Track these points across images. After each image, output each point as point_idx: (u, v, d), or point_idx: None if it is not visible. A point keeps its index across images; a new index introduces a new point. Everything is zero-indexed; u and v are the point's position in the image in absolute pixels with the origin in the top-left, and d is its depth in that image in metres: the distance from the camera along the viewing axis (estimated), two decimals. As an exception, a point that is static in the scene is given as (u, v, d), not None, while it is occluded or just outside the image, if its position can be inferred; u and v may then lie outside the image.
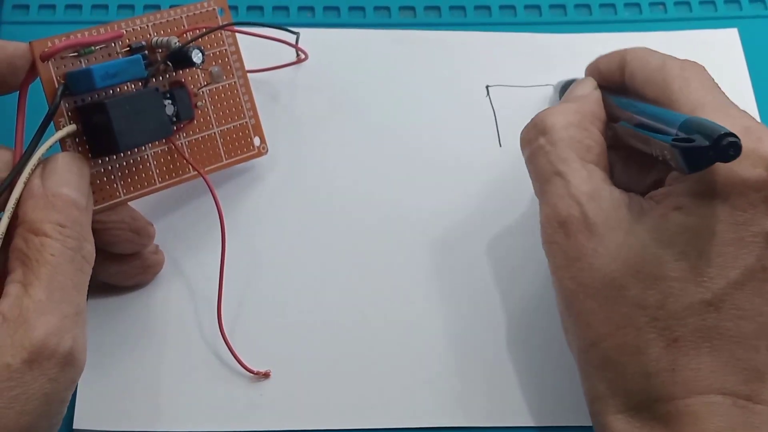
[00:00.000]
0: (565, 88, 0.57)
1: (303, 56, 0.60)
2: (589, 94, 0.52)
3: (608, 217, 0.45)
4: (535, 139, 0.49)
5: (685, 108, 0.46)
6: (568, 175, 0.47)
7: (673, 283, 0.43)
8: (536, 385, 0.52)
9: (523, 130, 0.51)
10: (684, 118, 0.43)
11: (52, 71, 0.47)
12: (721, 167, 0.43)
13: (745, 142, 0.42)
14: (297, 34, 0.59)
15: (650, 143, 0.45)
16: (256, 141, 0.55)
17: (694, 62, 0.49)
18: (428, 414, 0.51)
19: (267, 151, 0.56)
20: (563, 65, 0.59)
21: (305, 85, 0.60)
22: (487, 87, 0.61)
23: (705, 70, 0.49)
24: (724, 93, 0.48)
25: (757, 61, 0.63)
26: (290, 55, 0.60)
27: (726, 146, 0.40)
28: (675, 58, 0.50)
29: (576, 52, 0.62)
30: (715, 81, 0.49)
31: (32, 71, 0.46)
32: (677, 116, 0.44)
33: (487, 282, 0.55)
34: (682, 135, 0.42)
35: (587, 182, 0.47)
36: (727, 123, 0.43)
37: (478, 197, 0.57)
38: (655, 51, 0.51)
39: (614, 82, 0.52)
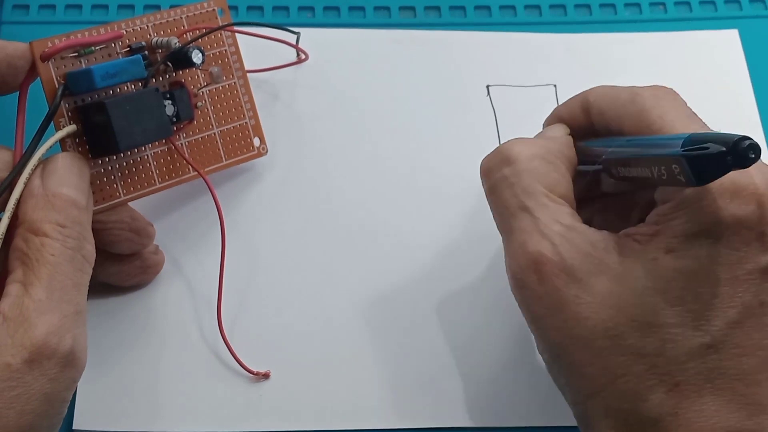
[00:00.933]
0: None
1: (303, 56, 0.60)
2: (561, 136, 0.50)
3: (586, 260, 0.43)
4: (497, 168, 0.47)
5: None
6: (536, 210, 0.45)
7: (671, 329, 0.42)
8: (535, 385, 0.52)
9: (484, 159, 0.49)
10: (687, 134, 0.41)
11: (53, 71, 0.47)
12: (710, 205, 0.42)
13: (734, 178, 0.42)
14: (297, 34, 0.59)
15: (647, 163, 0.43)
16: (256, 141, 0.55)
17: (664, 87, 0.48)
18: (428, 414, 0.51)
19: (267, 151, 0.56)
20: (564, 65, 0.59)
21: (305, 85, 0.60)
22: (487, 87, 0.61)
23: (676, 94, 0.47)
24: (698, 117, 0.47)
25: (757, 62, 0.63)
26: (290, 54, 0.60)
27: (746, 149, 0.38)
28: (642, 87, 0.48)
29: (576, 52, 0.62)
30: (686, 103, 0.47)
31: (32, 71, 0.46)
32: (675, 136, 0.42)
33: (488, 281, 0.55)
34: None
35: (557, 220, 0.45)
36: None
37: (479, 197, 0.57)
38: (617, 86, 0.49)
39: (579, 128, 0.50)
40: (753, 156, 0.39)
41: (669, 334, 0.42)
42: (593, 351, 0.43)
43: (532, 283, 0.44)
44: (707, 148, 0.39)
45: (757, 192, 0.42)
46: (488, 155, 0.48)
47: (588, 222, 0.46)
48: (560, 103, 0.52)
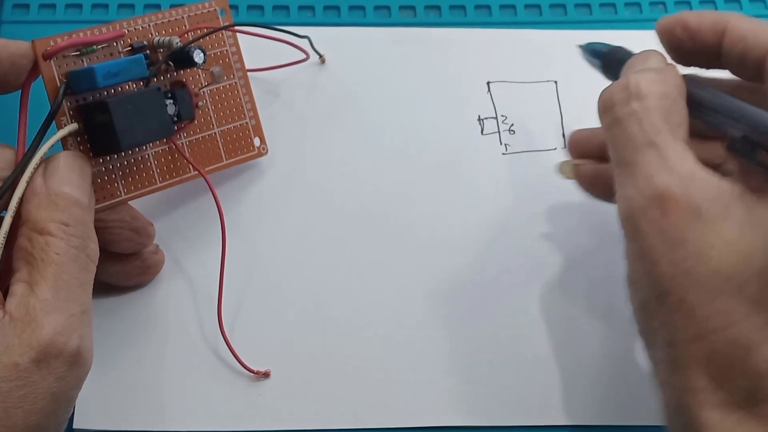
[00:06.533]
0: (598, 53, 0.52)
1: (306, 56, 0.60)
2: (668, 68, 0.48)
3: (714, 203, 0.43)
4: (625, 102, 0.46)
5: None
6: (666, 148, 0.44)
7: None
8: (536, 385, 0.52)
9: (606, 92, 0.47)
10: None
11: (54, 70, 0.47)
12: None
13: None
14: (307, 37, 0.60)
15: None
16: (256, 141, 0.56)
17: None
18: (428, 414, 0.51)
19: (267, 151, 0.56)
20: (564, 61, 0.59)
21: (306, 85, 0.60)
22: (488, 83, 0.61)
23: None
24: None
25: (757, 62, 0.62)
26: (290, 53, 0.59)
27: None
28: None
29: (576, 48, 0.62)
30: None
31: (34, 70, 0.46)
32: None
33: (488, 281, 0.55)
34: None
35: (686, 161, 0.44)
36: None
37: (480, 194, 0.57)
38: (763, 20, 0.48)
39: (702, 46, 0.48)
40: None
41: None
42: (711, 293, 0.42)
43: (655, 216, 0.43)
44: None
45: None
46: (612, 88, 0.47)
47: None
48: (691, 11, 0.50)
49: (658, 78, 0.46)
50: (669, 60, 0.49)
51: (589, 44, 0.53)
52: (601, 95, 0.47)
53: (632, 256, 0.45)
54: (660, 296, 0.43)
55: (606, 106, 0.47)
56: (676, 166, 0.43)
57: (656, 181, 0.43)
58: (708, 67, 0.48)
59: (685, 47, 0.48)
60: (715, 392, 0.42)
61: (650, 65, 0.48)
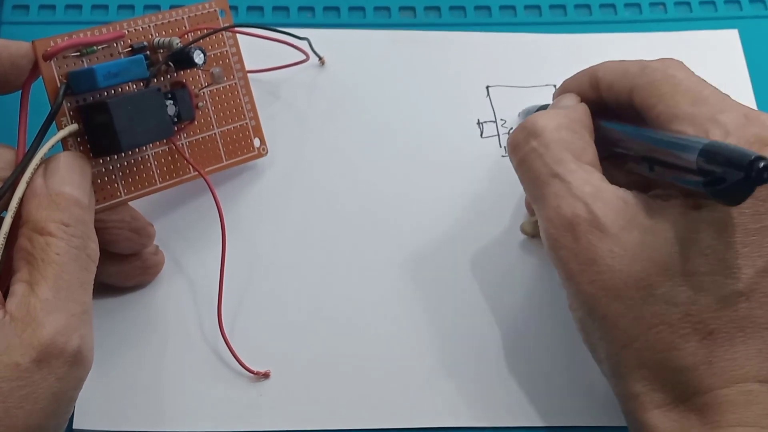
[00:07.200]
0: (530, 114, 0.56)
1: (306, 57, 0.60)
2: (577, 105, 0.51)
3: (618, 216, 0.45)
4: (525, 142, 0.49)
5: (683, 105, 0.46)
6: (567, 176, 0.46)
7: (703, 277, 0.43)
8: (535, 385, 0.52)
9: (511, 135, 0.50)
10: (700, 146, 0.42)
11: (55, 70, 0.47)
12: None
13: (754, 131, 0.43)
14: (306, 39, 0.60)
15: (676, 180, 0.44)
16: (256, 142, 0.56)
17: (671, 59, 0.49)
18: (428, 414, 0.51)
19: (267, 152, 0.56)
20: (563, 65, 0.59)
21: (306, 86, 0.60)
22: (487, 87, 0.61)
23: (683, 63, 0.49)
24: (708, 85, 0.48)
25: (757, 62, 0.63)
26: (290, 55, 0.60)
27: (762, 170, 0.39)
28: (650, 60, 0.49)
29: (576, 53, 0.62)
30: (694, 73, 0.48)
31: (34, 70, 0.46)
32: (689, 143, 0.43)
33: (488, 282, 0.55)
34: (703, 165, 0.41)
35: (587, 182, 0.46)
36: (731, 114, 0.44)
37: (479, 197, 0.57)
38: (625, 60, 0.51)
39: (587, 102, 0.51)
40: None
41: (701, 282, 0.43)
42: (627, 302, 0.44)
43: (568, 242, 0.46)
44: (724, 178, 0.40)
45: None
46: (514, 131, 0.50)
47: (614, 183, 0.47)
48: (568, 77, 0.53)
49: (554, 113, 0.49)
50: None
51: (525, 109, 0.59)
52: (507, 140, 0.50)
53: (562, 282, 0.47)
54: (589, 314, 0.46)
55: (511, 149, 0.50)
56: (580, 190, 0.46)
57: (563, 210, 0.46)
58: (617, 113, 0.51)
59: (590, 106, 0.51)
60: (653, 394, 0.45)
61: (560, 105, 0.51)
